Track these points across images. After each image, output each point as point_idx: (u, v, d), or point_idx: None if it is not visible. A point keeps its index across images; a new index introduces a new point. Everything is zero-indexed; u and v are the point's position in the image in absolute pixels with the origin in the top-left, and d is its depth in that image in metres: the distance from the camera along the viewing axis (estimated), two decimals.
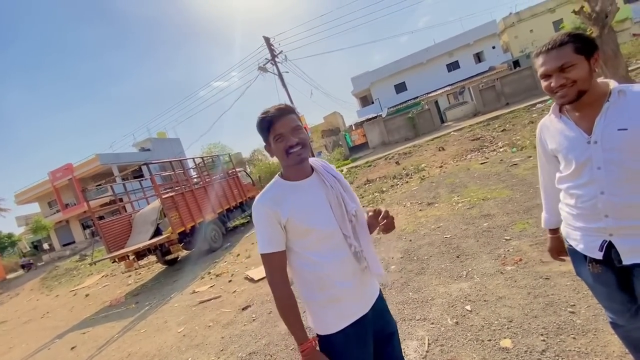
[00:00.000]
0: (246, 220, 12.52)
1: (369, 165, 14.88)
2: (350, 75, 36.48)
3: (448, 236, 4.14)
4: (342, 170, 16.27)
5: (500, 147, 9.21)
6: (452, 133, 14.52)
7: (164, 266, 9.38)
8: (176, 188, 9.50)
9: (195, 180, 10.76)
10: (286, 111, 1.16)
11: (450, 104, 23.59)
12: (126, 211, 10.58)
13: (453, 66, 28.61)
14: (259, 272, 5.51)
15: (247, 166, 25.84)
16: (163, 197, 8.29)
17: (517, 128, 10.96)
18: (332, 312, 1.18)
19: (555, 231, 1.42)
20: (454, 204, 5.49)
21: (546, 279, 2.50)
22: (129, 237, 9.10)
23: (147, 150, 29.55)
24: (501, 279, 2.74)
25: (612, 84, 1.08)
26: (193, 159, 11.33)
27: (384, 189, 8.89)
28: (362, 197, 8.95)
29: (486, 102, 18.60)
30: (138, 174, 23.42)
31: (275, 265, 1.15)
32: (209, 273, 7.03)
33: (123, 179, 20.72)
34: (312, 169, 1.26)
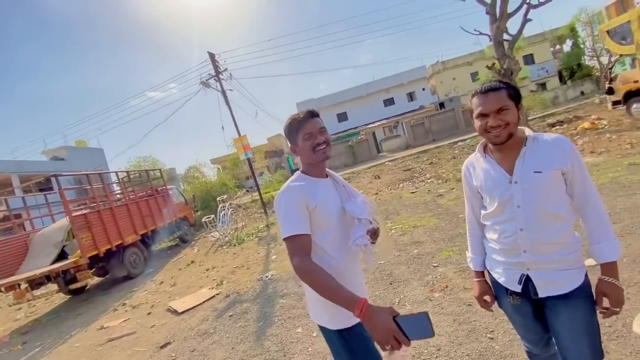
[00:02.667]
0: (174, 243, 11.47)
1: None
2: (297, 100, 37.33)
3: (382, 262, 4.26)
4: None
5: (428, 179, 10.07)
6: (387, 163, 15.50)
7: (68, 296, 7.99)
8: (92, 205, 8.34)
9: (116, 196, 9.60)
10: (314, 114, 1.33)
11: (386, 136, 25.41)
12: (24, 230, 8.89)
13: (389, 102, 31.19)
14: (183, 302, 4.98)
15: (180, 183, 24.10)
16: (73, 214, 7.17)
17: (442, 162, 12.16)
18: None
19: (481, 274, 1.41)
20: (387, 230, 5.73)
21: (469, 305, 2.67)
22: (22, 262, 7.60)
23: (61, 159, 25.84)
24: (430, 305, 2.86)
25: (527, 131, 1.21)
26: (116, 172, 10.16)
27: None
28: None
29: (416, 137, 20.44)
30: (46, 187, 20.20)
31: (304, 246, 1.16)
32: (124, 304, 6.15)
33: (24, 192, 17.65)
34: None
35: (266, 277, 5.10)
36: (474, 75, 32.15)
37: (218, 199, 11.69)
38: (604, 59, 26.73)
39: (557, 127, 12.63)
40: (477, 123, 1.21)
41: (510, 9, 12.35)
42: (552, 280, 1.16)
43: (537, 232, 1.15)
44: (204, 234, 11.34)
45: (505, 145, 1.18)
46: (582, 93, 27.14)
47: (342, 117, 31.47)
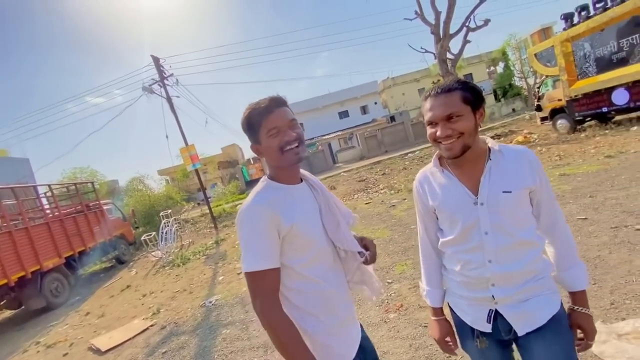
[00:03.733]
0: (109, 265, 10.23)
1: None
2: None
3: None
4: (235, 206, 15.37)
5: (382, 189, 10.19)
6: (342, 173, 15.60)
7: None
8: (2, 225, 7.08)
9: (35, 214, 8.30)
10: (281, 102, 1.02)
11: (341, 147, 25.81)
12: None
13: (344, 114, 31.89)
14: (110, 338, 4.26)
15: (122, 197, 21.99)
16: None
17: (394, 173, 12.47)
18: (342, 339, 1.06)
19: (440, 311, 1.17)
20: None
21: (424, 326, 2.52)
22: None
23: None
24: (385, 329, 2.66)
25: (490, 141, 1.03)
26: (34, 186, 8.83)
27: None
28: None
29: (370, 148, 20.99)
30: None
31: (270, 286, 0.93)
32: (37, 343, 5.17)
33: None
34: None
35: (210, 302, 4.58)
36: (422, 91, 34.24)
37: (162, 213, 10.71)
38: (531, 80, 30.02)
39: (495, 139, 13.68)
40: (428, 131, 1.00)
41: (452, 30, 13.30)
42: (526, 312, 0.97)
43: (508, 263, 0.96)
44: (144, 253, 10.27)
45: (464, 158, 0.98)
46: (514, 110, 30.16)
47: None
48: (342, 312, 1.05)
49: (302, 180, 1.11)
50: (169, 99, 11.14)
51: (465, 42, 13.51)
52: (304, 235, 0.98)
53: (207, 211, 12.57)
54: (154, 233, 9.32)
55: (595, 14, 8.87)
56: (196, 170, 11.71)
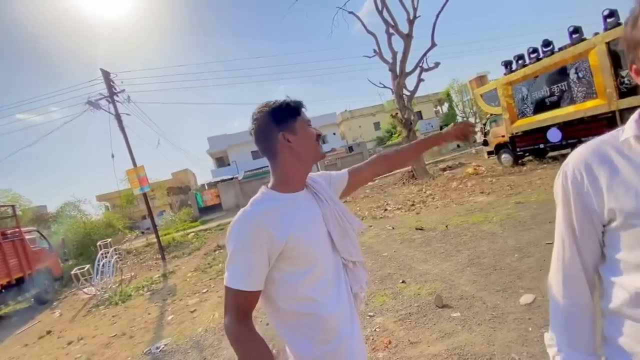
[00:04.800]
0: (27, 305, 8.56)
1: (222, 229, 13.60)
2: (208, 134, 35.48)
3: None
4: (187, 235, 14.17)
5: None
6: None
7: None
8: None
9: None
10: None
11: None
12: None
13: None
14: None
15: (51, 224, 19.21)
16: None
17: (356, 200, 12.51)
18: None
19: None
20: None
21: None
22: None
23: None
24: None
25: None
26: None
27: None
28: (211, 267, 7.63)
29: None
30: None
31: (245, 306, 0.87)
32: None
33: None
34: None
35: (157, 348, 3.83)
36: (377, 125, 36.16)
37: (99, 243, 9.40)
38: (472, 120, 33.29)
39: (448, 171, 14.51)
40: None
41: (408, 69, 14.33)
42: None
43: None
44: (73, 290, 8.79)
45: None
46: (458, 145, 32.81)
47: (257, 154, 31.00)
48: (347, 338, 0.94)
49: (305, 187, 1.03)
50: (117, 116, 10.22)
51: (420, 80, 14.58)
52: (303, 247, 0.90)
53: (154, 240, 11.36)
54: (88, 266, 8.04)
55: (530, 63, 10.10)
56: (144, 195, 10.64)
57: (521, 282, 2.98)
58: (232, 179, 23.18)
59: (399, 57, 14.19)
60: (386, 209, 9.33)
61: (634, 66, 0.63)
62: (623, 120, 7.59)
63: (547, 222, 4.57)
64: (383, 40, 14.60)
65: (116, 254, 9.13)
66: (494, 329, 2.37)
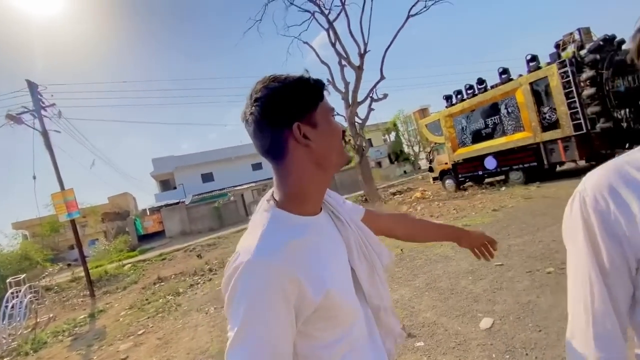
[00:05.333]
0: None
1: (164, 259, 12.41)
2: (153, 155, 33.20)
3: None
4: (122, 266, 12.69)
5: None
6: None
7: None
8: None
9: None
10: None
11: (255, 199, 25.00)
12: None
13: (257, 166, 31.69)
14: None
15: None
16: None
17: None
18: None
19: None
20: None
21: None
22: None
23: None
24: None
25: None
26: None
27: (181, 290, 7.17)
28: (149, 302, 6.78)
29: None
30: None
31: None
32: None
33: None
34: None
35: None
36: None
37: (9, 280, 7.94)
38: (417, 148, 35.75)
39: (398, 195, 15.13)
40: None
41: (359, 99, 15.05)
42: None
43: None
44: None
45: None
46: (405, 172, 34.91)
47: (207, 177, 29.66)
48: None
49: (321, 208, 0.73)
50: (44, 133, 9.06)
51: (370, 109, 15.35)
52: (343, 301, 0.63)
53: (82, 274, 9.94)
54: None
55: (467, 98, 11.20)
56: (72, 222, 9.36)
57: (478, 305, 3.03)
58: (177, 203, 21.67)
59: (351, 87, 14.89)
60: None
61: None
62: (546, 151, 8.59)
63: None
64: (336, 71, 15.23)
65: (31, 292, 7.74)
66: (459, 358, 2.32)
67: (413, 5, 13.83)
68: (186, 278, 8.30)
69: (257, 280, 0.55)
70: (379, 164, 36.56)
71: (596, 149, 8.59)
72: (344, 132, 0.72)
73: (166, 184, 30.54)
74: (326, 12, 14.77)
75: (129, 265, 12.67)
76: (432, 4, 13.73)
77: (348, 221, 0.75)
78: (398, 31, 14.68)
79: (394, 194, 15.87)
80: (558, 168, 10.09)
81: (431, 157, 13.62)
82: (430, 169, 13.89)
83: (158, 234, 19.30)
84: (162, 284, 8.40)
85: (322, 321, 0.61)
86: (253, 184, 27.74)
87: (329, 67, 15.36)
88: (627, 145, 8.30)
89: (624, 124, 8.23)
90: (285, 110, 0.63)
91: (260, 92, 0.64)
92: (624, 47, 8.30)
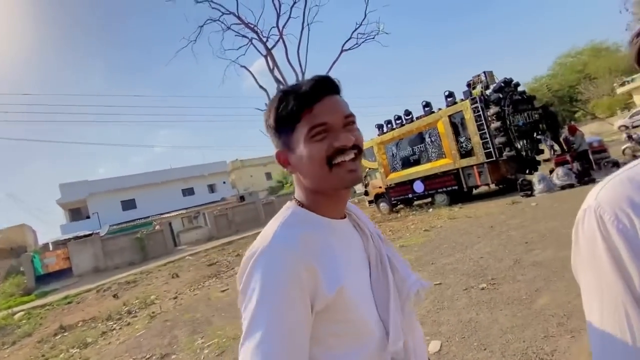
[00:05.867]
0: None
1: (69, 302, 10.48)
2: (62, 180, 28.67)
3: None
4: (12, 315, 10.31)
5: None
6: (187, 257, 13.49)
7: None
8: None
9: None
10: (332, 87, 0.64)
11: (185, 227, 23.06)
12: None
13: (188, 192, 29.60)
14: None
15: None
16: None
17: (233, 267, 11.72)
18: None
19: None
20: (197, 350, 4.24)
21: None
22: None
23: None
24: None
25: None
26: None
27: (90, 340, 5.99)
28: (44, 357, 5.50)
29: (220, 228, 19.62)
30: None
31: None
32: None
33: None
34: None
35: None
36: (269, 175, 36.64)
37: None
38: None
39: None
40: None
41: None
42: None
43: None
44: None
45: None
46: None
47: (128, 204, 26.59)
48: None
49: (345, 216, 0.71)
50: None
51: None
52: (356, 308, 0.59)
53: None
54: None
55: (396, 127, 12.15)
56: None
57: (424, 328, 3.04)
58: (90, 234, 18.83)
59: None
60: None
61: None
62: (465, 175, 9.59)
63: (429, 263, 5.08)
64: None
65: None
66: None
67: (346, 41, 14.91)
68: (98, 324, 7.03)
69: (275, 266, 0.54)
70: None
71: (503, 174, 9.92)
72: (339, 149, 0.61)
73: (77, 213, 26.53)
74: (264, 39, 15.04)
75: (22, 313, 10.35)
76: (363, 42, 14.99)
77: (372, 234, 0.71)
78: (333, 63, 15.58)
79: None
80: (474, 191, 11.36)
81: (366, 182, 14.25)
82: (366, 193, 14.50)
83: (63, 272, 16.30)
84: (66, 334, 6.96)
85: (334, 324, 0.58)
86: (183, 211, 25.67)
87: (267, 92, 15.44)
88: (527, 171, 9.78)
89: (524, 153, 9.71)
90: (272, 134, 0.65)
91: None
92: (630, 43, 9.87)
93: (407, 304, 0.67)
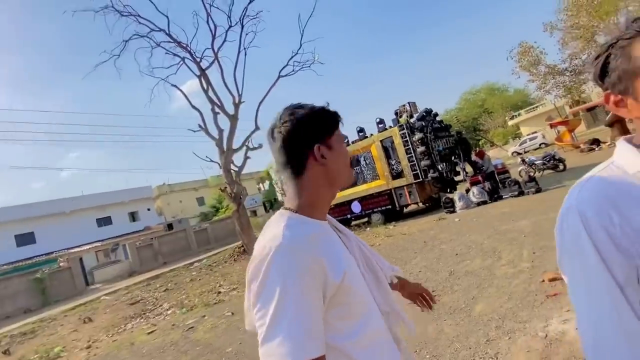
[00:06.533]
0: None
1: None
2: None
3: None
4: None
5: (168, 310, 8.23)
6: (103, 297, 11.67)
7: None
8: None
9: None
10: None
11: (100, 263, 20.06)
12: None
13: (105, 221, 26.13)
14: None
15: None
16: None
17: (180, 287, 10.65)
18: None
19: None
20: None
21: None
22: None
23: None
24: None
25: None
26: None
27: None
28: None
29: (144, 261, 17.56)
30: None
31: None
32: None
33: None
34: None
35: None
36: (200, 201, 34.45)
37: None
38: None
39: None
40: None
41: (235, 146, 14.86)
42: None
43: None
44: None
45: None
46: None
47: (25, 239, 22.26)
48: None
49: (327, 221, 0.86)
50: None
51: (246, 157, 15.33)
52: (357, 287, 0.72)
53: None
54: None
55: None
56: None
57: None
58: None
59: (226, 134, 14.63)
60: (220, 292, 8.32)
61: (624, 98, 0.60)
62: (396, 195, 10.33)
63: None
64: (209, 116, 14.76)
65: None
66: None
67: (283, 67, 15.28)
68: None
69: (289, 262, 0.63)
70: (254, 213, 36.01)
71: (429, 193, 10.93)
72: (352, 157, 0.74)
73: None
74: (198, 59, 14.55)
75: None
76: (299, 69, 15.52)
77: (349, 235, 0.86)
78: (270, 88, 15.73)
79: None
80: (405, 209, 12.24)
81: None
82: None
83: None
84: None
85: (340, 306, 0.68)
86: (98, 244, 22.39)
87: (200, 113, 14.78)
88: (448, 190, 10.93)
89: (445, 174, 10.88)
90: (309, 133, 0.77)
91: (288, 116, 0.78)
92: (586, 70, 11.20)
93: (387, 284, 0.87)
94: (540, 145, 24.69)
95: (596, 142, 14.95)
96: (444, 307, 3.44)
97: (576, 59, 16.63)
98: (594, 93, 26.57)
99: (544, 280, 3.27)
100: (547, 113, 29.75)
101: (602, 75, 0.62)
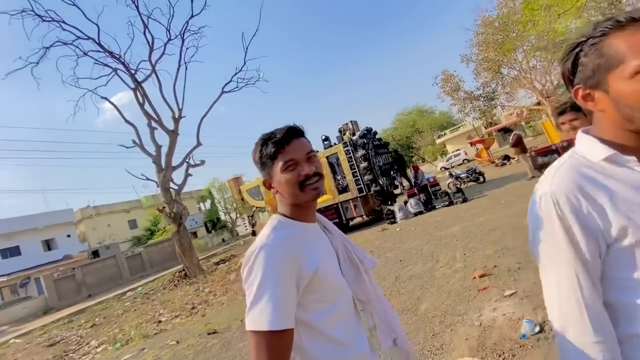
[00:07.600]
0: None
1: None
2: None
3: None
4: None
5: (97, 347, 7.30)
6: (13, 341, 9.86)
7: None
8: None
9: None
10: (298, 132, 0.93)
11: (6, 301, 16.90)
12: None
13: (11, 252, 22.26)
14: None
15: None
16: None
17: (111, 320, 9.52)
18: None
19: None
20: None
21: None
22: None
23: None
24: None
25: None
26: None
27: None
28: None
29: (63, 295, 15.30)
30: None
31: (284, 351, 0.77)
32: None
33: None
34: None
35: None
36: (132, 223, 31.33)
37: None
38: (234, 215, 35.87)
39: (222, 264, 14.35)
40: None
41: (175, 163, 14.05)
42: None
43: None
44: None
45: None
46: (223, 240, 33.83)
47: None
48: None
49: (315, 222, 0.99)
50: None
51: (187, 175, 14.57)
52: (329, 278, 0.87)
53: None
54: None
55: None
56: None
57: None
58: None
59: (164, 150, 13.80)
60: (160, 321, 7.65)
61: (592, 92, 0.65)
62: (343, 209, 10.77)
63: None
64: (144, 132, 13.81)
65: None
66: None
67: (227, 84, 15.10)
68: None
69: (270, 257, 0.79)
70: (194, 234, 33.81)
71: (372, 206, 11.57)
72: (306, 175, 0.87)
73: None
74: (132, 71, 13.66)
75: None
76: (243, 86, 15.48)
77: (335, 232, 1.01)
78: (213, 103, 15.39)
79: (217, 263, 14.91)
80: (351, 222, 12.73)
81: (253, 221, 14.07)
82: (254, 233, 14.22)
83: None
84: None
85: (314, 293, 0.84)
86: (4, 278, 18.86)
87: (135, 128, 13.81)
88: (389, 203, 11.70)
89: (385, 188, 11.65)
90: (259, 167, 0.94)
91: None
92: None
93: (369, 273, 1.02)
94: (463, 160, 27.91)
95: (507, 157, 17.40)
96: (393, 309, 3.70)
97: (488, 87, 19.40)
98: (502, 116, 31.21)
99: (475, 277, 3.74)
100: (467, 133, 33.80)
101: (573, 71, 0.68)
